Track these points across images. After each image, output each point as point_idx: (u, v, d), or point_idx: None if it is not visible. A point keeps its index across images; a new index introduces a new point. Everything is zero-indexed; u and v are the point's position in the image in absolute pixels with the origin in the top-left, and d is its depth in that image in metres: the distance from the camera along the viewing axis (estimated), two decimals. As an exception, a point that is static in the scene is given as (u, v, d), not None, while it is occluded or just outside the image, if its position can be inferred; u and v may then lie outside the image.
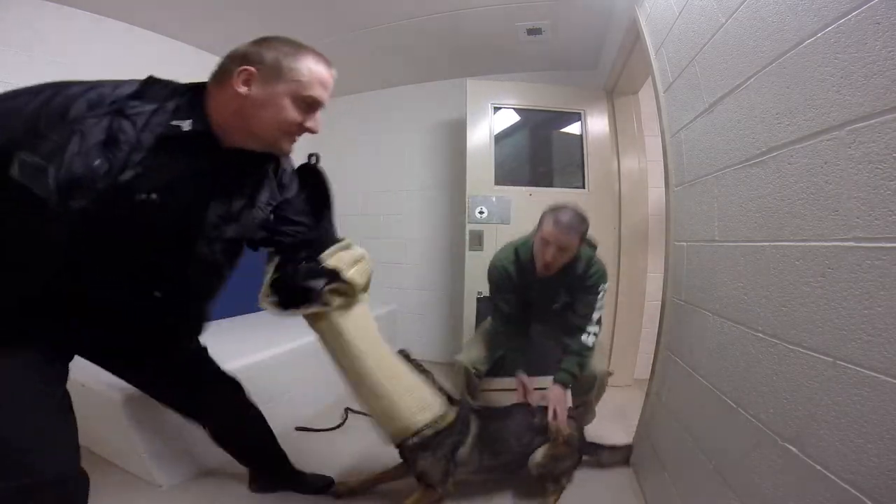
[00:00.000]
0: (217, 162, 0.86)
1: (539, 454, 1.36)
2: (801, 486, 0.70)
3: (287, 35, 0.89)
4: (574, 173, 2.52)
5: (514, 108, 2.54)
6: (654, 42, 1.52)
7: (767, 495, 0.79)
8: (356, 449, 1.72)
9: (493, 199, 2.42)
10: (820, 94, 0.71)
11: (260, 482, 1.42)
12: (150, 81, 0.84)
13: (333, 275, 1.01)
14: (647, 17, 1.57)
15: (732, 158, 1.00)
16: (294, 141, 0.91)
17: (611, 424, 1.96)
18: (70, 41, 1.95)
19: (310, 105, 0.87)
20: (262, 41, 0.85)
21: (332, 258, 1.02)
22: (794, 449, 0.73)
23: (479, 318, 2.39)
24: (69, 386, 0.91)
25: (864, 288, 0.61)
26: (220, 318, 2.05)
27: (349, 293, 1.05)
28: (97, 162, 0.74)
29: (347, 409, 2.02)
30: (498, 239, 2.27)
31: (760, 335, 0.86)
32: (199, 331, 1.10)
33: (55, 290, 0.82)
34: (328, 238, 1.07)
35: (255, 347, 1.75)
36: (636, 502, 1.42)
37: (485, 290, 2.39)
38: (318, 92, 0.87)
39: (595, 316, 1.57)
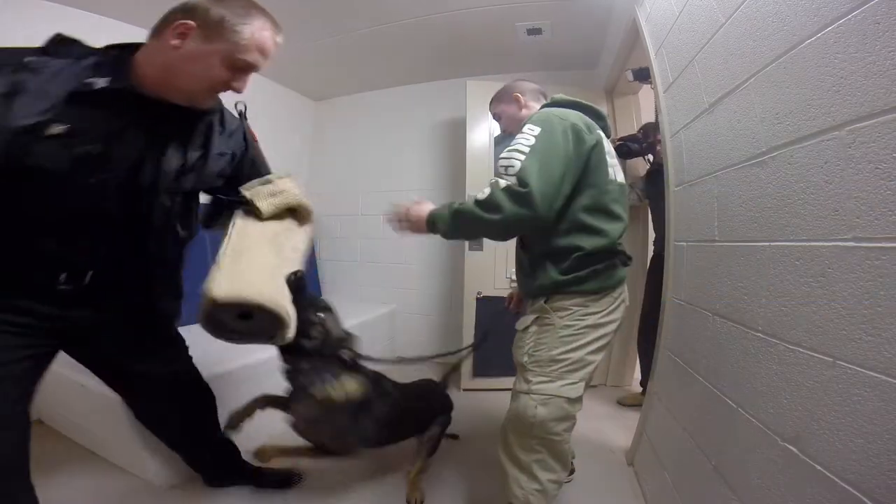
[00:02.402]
0: (149, 115, 0.85)
1: None
2: (801, 486, 0.70)
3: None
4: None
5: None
6: (654, 42, 1.52)
7: (767, 495, 0.78)
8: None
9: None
10: (820, 94, 0.71)
11: (213, 478, 1.42)
12: (58, 39, 0.82)
13: (247, 203, 1.04)
14: (647, 17, 1.57)
15: (732, 158, 1.00)
16: (216, 97, 0.92)
17: (611, 424, 1.97)
18: (70, 41, 1.94)
19: (242, 68, 0.86)
20: None
21: (249, 191, 1.04)
22: (794, 449, 0.73)
23: (479, 317, 2.39)
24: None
25: (864, 288, 0.61)
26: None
27: (259, 216, 1.05)
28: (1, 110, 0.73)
29: None
30: (498, 239, 2.27)
31: (760, 335, 0.85)
32: (171, 298, 1.10)
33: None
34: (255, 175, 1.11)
35: (246, 351, 1.73)
36: (636, 502, 1.42)
37: (484, 289, 2.40)
38: (254, 57, 0.85)
39: (504, 162, 1.04)
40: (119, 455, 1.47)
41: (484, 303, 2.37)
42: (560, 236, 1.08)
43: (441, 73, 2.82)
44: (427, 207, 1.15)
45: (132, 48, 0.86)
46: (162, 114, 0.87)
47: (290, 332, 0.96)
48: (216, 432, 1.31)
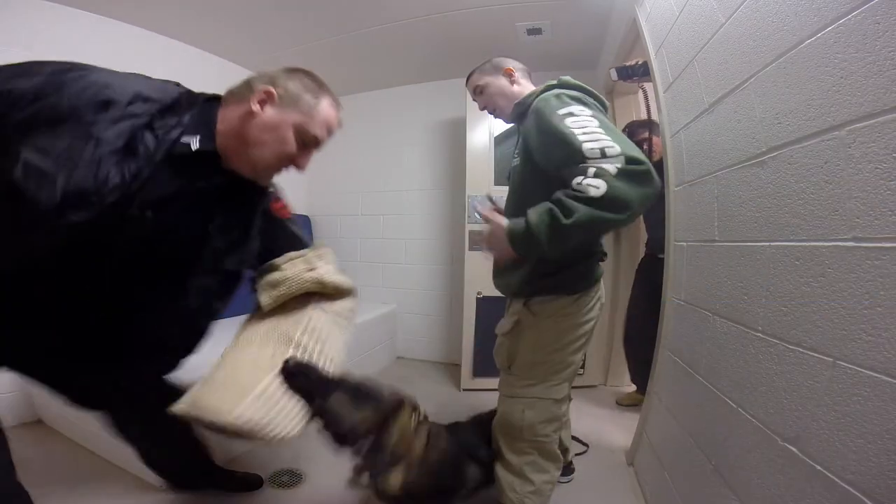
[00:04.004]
0: (215, 185, 0.82)
1: None
2: (801, 486, 0.70)
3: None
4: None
5: (514, 108, 2.54)
6: (654, 42, 1.52)
7: (767, 495, 0.78)
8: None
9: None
10: (820, 94, 0.71)
11: (180, 483, 1.39)
12: (189, 96, 0.81)
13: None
14: (647, 17, 1.57)
15: (732, 158, 1.00)
16: (276, 175, 0.92)
17: (611, 424, 1.97)
18: (70, 41, 1.95)
19: (308, 143, 0.88)
20: (293, 71, 0.88)
21: (259, 282, 1.02)
22: (794, 449, 0.73)
23: (479, 317, 2.38)
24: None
25: (864, 288, 0.61)
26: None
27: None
28: (111, 173, 0.65)
29: None
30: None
31: (760, 335, 0.86)
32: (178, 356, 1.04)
33: (15, 299, 0.75)
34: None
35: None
36: (636, 502, 1.42)
37: (484, 289, 2.40)
38: (320, 132, 0.89)
39: (593, 145, 0.87)
40: (119, 455, 1.46)
41: (484, 303, 2.37)
42: None
43: (441, 73, 2.82)
44: (503, 224, 0.96)
45: (211, 104, 0.84)
46: (227, 184, 0.84)
47: (272, 435, 0.84)
48: (189, 436, 1.27)
